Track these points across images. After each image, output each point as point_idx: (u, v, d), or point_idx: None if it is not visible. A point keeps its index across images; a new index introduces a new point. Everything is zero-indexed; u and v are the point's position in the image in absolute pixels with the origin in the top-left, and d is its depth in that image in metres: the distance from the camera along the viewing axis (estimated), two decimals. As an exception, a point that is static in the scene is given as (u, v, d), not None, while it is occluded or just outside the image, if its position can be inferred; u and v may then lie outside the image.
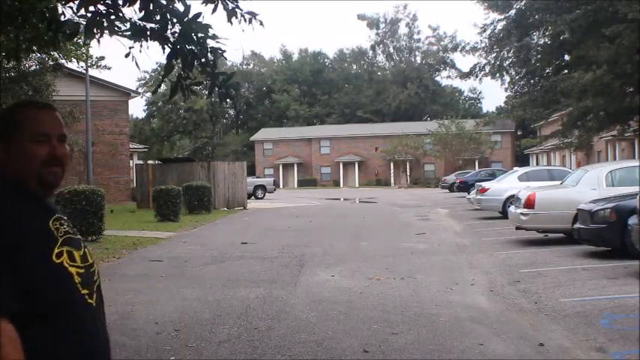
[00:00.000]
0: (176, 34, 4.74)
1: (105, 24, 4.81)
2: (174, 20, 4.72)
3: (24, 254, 1.77)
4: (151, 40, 4.74)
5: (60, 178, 1.97)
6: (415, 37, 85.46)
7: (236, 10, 4.95)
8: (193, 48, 4.73)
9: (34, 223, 1.85)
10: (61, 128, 1.97)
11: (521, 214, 13.46)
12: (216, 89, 5.30)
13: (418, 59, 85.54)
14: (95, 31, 4.84)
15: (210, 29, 4.82)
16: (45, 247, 1.84)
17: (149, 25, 4.71)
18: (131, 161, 35.62)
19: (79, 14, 5.27)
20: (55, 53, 17.31)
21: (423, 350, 5.85)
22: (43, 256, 1.82)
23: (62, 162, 1.95)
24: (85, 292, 1.89)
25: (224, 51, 5.16)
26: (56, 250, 1.85)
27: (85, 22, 4.91)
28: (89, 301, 1.90)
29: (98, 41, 5.00)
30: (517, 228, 14.08)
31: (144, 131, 73.25)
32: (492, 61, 28.54)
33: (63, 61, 19.31)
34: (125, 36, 4.85)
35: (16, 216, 1.81)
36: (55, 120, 1.97)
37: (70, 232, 1.94)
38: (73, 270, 1.87)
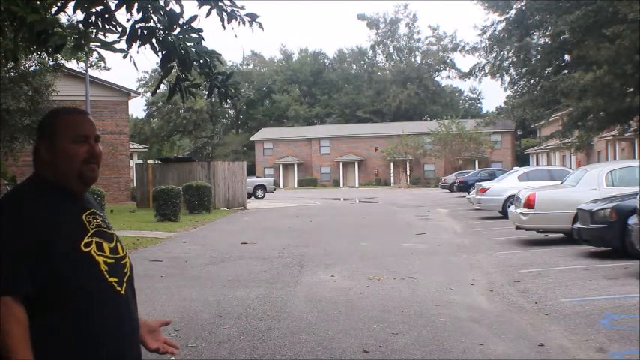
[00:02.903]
0: (169, 38, 4.70)
1: (95, 35, 4.79)
2: (164, 25, 4.68)
3: (51, 243, 1.99)
4: (142, 45, 4.71)
5: (97, 175, 2.20)
6: (415, 37, 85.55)
7: (235, 13, 4.93)
8: (186, 54, 4.70)
9: (65, 216, 2.07)
10: (95, 130, 2.22)
11: (521, 214, 13.46)
12: (216, 89, 5.29)
13: (418, 59, 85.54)
14: (83, 43, 4.83)
15: (198, 39, 4.79)
16: (74, 237, 2.05)
17: (142, 29, 4.68)
18: (131, 161, 35.61)
19: (68, 26, 5.24)
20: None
21: (423, 350, 5.85)
22: (71, 244, 2.03)
23: (98, 160, 2.20)
24: (113, 279, 2.09)
25: (219, 54, 5.14)
26: (85, 240, 2.07)
27: (74, 35, 4.88)
28: (117, 288, 2.10)
29: (86, 55, 5.00)
30: (517, 228, 14.08)
31: (144, 131, 73.26)
32: (492, 61, 28.52)
33: (63, 61, 19.30)
34: (112, 49, 4.83)
35: (47, 209, 2.04)
36: (90, 123, 2.22)
37: (103, 225, 2.17)
38: (100, 258, 2.08)
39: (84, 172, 2.14)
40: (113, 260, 2.12)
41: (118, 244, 2.19)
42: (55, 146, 2.13)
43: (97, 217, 2.17)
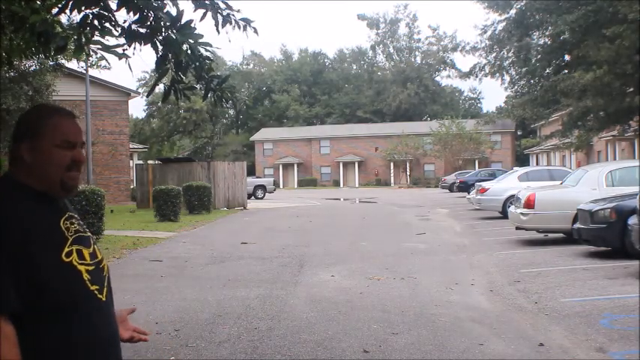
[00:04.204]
0: (167, 39, 4.69)
1: (94, 37, 4.80)
2: (165, 24, 4.68)
3: (33, 255, 1.87)
4: (141, 44, 4.71)
5: (79, 182, 2.12)
6: (415, 37, 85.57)
7: (230, 16, 4.93)
8: (182, 57, 4.70)
9: (44, 224, 1.96)
10: (81, 136, 2.12)
11: (521, 214, 13.46)
12: (212, 92, 5.28)
13: (418, 59, 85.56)
14: (83, 44, 4.83)
15: (200, 36, 4.79)
16: (55, 247, 1.94)
17: (141, 30, 4.67)
18: (131, 161, 35.61)
19: (68, 27, 5.25)
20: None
21: (423, 350, 5.85)
22: (52, 255, 1.92)
23: (80, 167, 2.09)
24: (94, 287, 2.01)
25: (212, 61, 5.15)
26: (66, 250, 1.96)
27: (74, 36, 4.89)
28: (99, 296, 2.03)
29: (87, 56, 5.01)
30: (517, 228, 14.08)
31: (144, 131, 73.19)
32: (492, 61, 28.54)
33: (63, 61, 19.29)
34: (113, 52, 4.83)
35: (24, 218, 1.91)
36: (79, 128, 2.12)
37: (81, 230, 2.06)
38: (82, 268, 1.99)
39: (65, 180, 2.03)
40: (93, 267, 2.03)
41: (95, 247, 2.10)
42: (38, 148, 2.00)
43: (74, 220, 2.07)
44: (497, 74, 29.05)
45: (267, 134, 74.34)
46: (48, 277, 1.89)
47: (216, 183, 27.91)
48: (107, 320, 2.06)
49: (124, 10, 4.62)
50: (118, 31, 4.75)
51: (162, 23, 4.66)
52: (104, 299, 2.05)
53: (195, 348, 6.06)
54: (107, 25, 4.69)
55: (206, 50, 4.93)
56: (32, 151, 2.01)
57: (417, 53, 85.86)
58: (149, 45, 4.80)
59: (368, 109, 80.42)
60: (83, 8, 4.49)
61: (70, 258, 1.97)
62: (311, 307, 7.72)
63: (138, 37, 4.65)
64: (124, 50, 4.78)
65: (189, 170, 28.33)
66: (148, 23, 4.65)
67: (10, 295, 1.82)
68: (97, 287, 2.03)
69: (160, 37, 4.74)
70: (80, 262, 1.99)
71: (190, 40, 4.68)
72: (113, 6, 4.66)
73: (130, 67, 4.98)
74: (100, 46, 4.86)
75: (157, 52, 4.77)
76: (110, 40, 4.91)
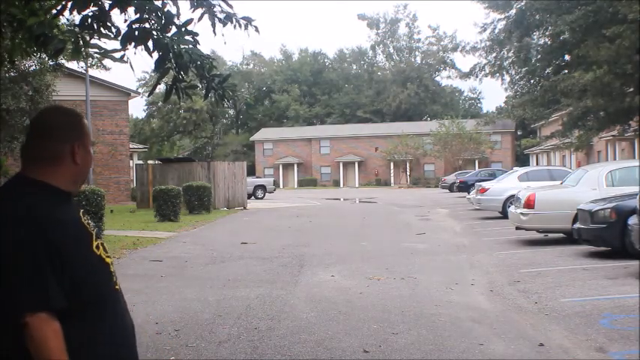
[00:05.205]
0: (164, 40, 4.68)
1: (92, 39, 4.80)
2: (160, 25, 4.67)
3: (73, 251, 1.96)
4: (137, 45, 4.70)
5: None
6: (415, 37, 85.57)
7: (231, 16, 4.93)
8: (179, 56, 4.70)
9: (74, 221, 2.05)
10: None
11: (521, 214, 13.46)
12: (213, 91, 5.28)
13: (418, 59, 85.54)
14: (81, 47, 4.82)
15: (196, 39, 4.79)
16: (87, 243, 2.05)
17: (137, 30, 4.67)
18: (131, 161, 35.59)
19: (66, 30, 5.25)
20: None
21: (423, 350, 5.85)
22: (86, 250, 2.03)
23: None
24: (114, 279, 2.13)
25: (213, 59, 5.16)
26: (94, 244, 2.07)
27: (72, 39, 4.89)
28: (116, 287, 2.13)
29: (85, 60, 5.03)
30: (517, 228, 14.08)
31: (144, 131, 73.19)
32: (492, 61, 28.55)
33: (63, 61, 19.29)
34: (112, 57, 4.84)
35: (59, 216, 1.99)
36: None
37: (94, 224, 2.17)
38: (109, 260, 2.11)
39: (87, 176, 2.22)
40: (110, 259, 2.15)
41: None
42: (86, 149, 2.15)
43: (87, 216, 2.16)
44: (497, 74, 29.06)
45: (267, 134, 74.33)
46: (87, 272, 1.99)
47: (216, 183, 27.91)
48: (126, 308, 2.17)
49: (123, 14, 4.62)
50: (113, 33, 4.74)
51: (154, 25, 4.66)
52: (119, 289, 2.15)
53: (195, 348, 6.06)
54: (104, 27, 4.68)
55: (198, 55, 4.92)
56: (83, 153, 2.13)
57: (417, 53, 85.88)
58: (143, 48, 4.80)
59: (368, 109, 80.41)
60: (82, 6, 4.49)
61: (99, 251, 2.07)
62: (311, 307, 7.73)
63: (131, 40, 4.64)
64: (123, 54, 4.79)
65: (189, 170, 28.32)
66: (145, 25, 4.64)
67: (57, 292, 1.90)
68: (114, 278, 2.13)
69: (153, 40, 4.72)
70: (106, 254, 2.10)
71: (182, 46, 4.67)
72: (108, 7, 4.65)
73: (132, 67, 4.98)
74: (97, 50, 4.87)
75: (150, 55, 4.77)
76: (107, 44, 4.93)
